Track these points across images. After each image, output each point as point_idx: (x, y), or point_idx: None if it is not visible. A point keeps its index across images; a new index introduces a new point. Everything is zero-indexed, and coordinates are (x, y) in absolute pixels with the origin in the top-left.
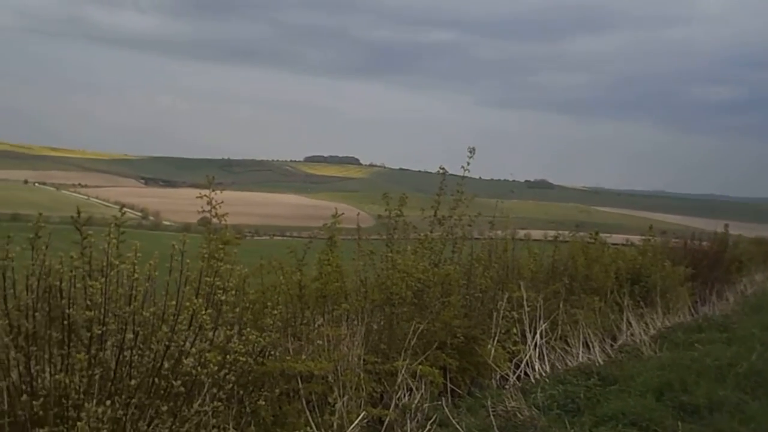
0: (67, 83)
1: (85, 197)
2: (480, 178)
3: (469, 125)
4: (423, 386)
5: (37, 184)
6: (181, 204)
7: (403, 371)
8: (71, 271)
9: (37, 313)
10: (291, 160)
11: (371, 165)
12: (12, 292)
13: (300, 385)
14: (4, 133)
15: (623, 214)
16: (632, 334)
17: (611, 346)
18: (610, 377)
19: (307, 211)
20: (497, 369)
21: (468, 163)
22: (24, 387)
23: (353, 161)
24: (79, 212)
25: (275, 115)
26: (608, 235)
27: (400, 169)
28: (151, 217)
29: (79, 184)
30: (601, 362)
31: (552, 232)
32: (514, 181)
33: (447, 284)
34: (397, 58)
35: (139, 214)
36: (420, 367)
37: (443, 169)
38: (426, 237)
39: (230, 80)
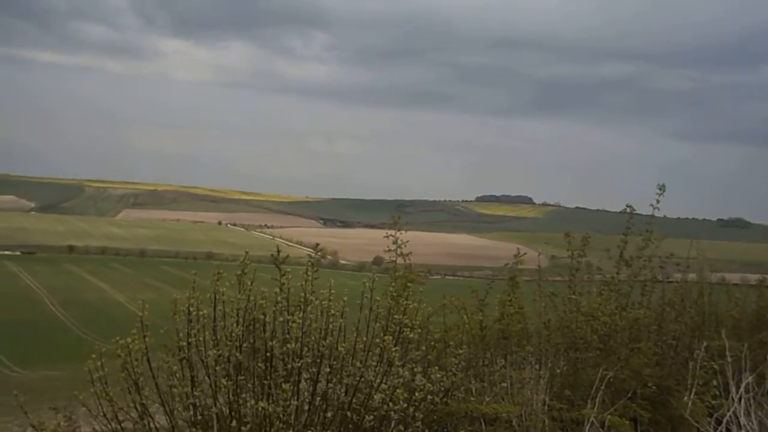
0: (255, 132)
1: (270, 237)
2: (665, 216)
3: (650, 160)
4: None
5: (229, 225)
6: (356, 244)
7: (590, 420)
8: (274, 306)
9: (244, 344)
10: (463, 200)
11: (545, 204)
12: (222, 324)
13: (484, 427)
14: (203, 179)
15: None
16: None
17: None
18: None
19: (478, 251)
20: (695, 424)
21: (657, 201)
22: (232, 413)
23: (526, 200)
24: (278, 251)
25: (447, 156)
26: None
27: (577, 207)
28: (329, 256)
29: (265, 225)
30: None
31: (754, 276)
32: (704, 220)
33: (636, 329)
34: (568, 94)
35: (318, 253)
36: (609, 417)
37: (630, 207)
38: (612, 278)
39: (404, 123)
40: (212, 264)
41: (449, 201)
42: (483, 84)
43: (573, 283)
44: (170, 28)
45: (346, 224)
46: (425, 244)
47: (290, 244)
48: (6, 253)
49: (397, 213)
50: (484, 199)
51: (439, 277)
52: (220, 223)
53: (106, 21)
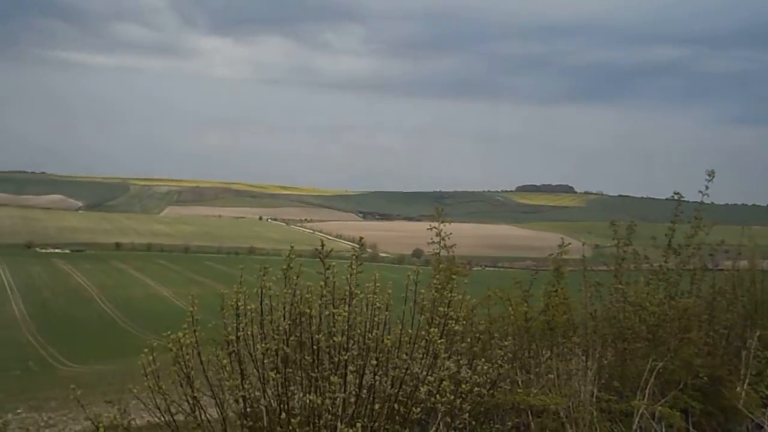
0: (294, 127)
1: (310, 231)
2: (713, 203)
3: (699, 146)
4: (662, 429)
5: (269, 220)
6: (395, 236)
7: (640, 412)
8: (319, 300)
9: (291, 338)
10: (502, 191)
11: (587, 193)
12: (269, 318)
13: (531, 419)
14: (244, 175)
15: None
16: None
17: None
18: None
19: (518, 242)
20: (749, 415)
21: (706, 187)
22: (281, 406)
23: (567, 189)
24: (322, 245)
25: (486, 147)
26: None
27: (620, 196)
28: (369, 249)
29: (305, 219)
30: None
31: None
32: (753, 205)
33: (686, 319)
34: (612, 80)
35: (357, 246)
36: (659, 408)
37: (678, 194)
38: (660, 267)
39: (443, 115)
40: (254, 259)
41: (489, 192)
42: (523, 72)
43: (619, 273)
44: (208, 26)
45: (385, 217)
46: (465, 236)
47: (330, 237)
48: (56, 251)
49: (436, 205)
50: (524, 189)
51: (480, 268)
52: (260, 218)
53: (146, 21)
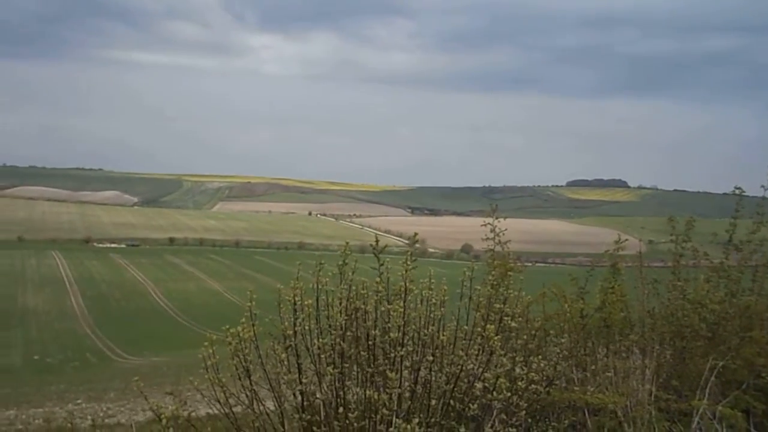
0: (343, 122)
1: (359, 226)
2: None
3: (760, 139)
4: (723, 430)
5: (318, 216)
6: (444, 231)
7: (700, 412)
8: (375, 295)
9: (347, 333)
10: (553, 185)
11: (641, 187)
12: (325, 313)
13: (587, 418)
14: (293, 170)
15: None
16: None
17: None
18: None
19: (569, 237)
20: None
21: None
22: (338, 401)
23: (620, 184)
24: (377, 241)
25: (537, 141)
26: None
27: (675, 190)
28: (417, 245)
29: (354, 215)
30: None
31: None
32: None
33: (747, 317)
34: (666, 71)
35: (407, 242)
36: (720, 408)
37: (739, 189)
38: (721, 264)
39: (493, 109)
40: (303, 254)
41: (538, 186)
42: (574, 65)
43: (677, 270)
44: (258, 23)
45: (433, 212)
46: (514, 231)
47: (379, 233)
48: (113, 246)
49: (485, 200)
50: (575, 184)
51: (530, 264)
52: (310, 214)
53: (198, 20)
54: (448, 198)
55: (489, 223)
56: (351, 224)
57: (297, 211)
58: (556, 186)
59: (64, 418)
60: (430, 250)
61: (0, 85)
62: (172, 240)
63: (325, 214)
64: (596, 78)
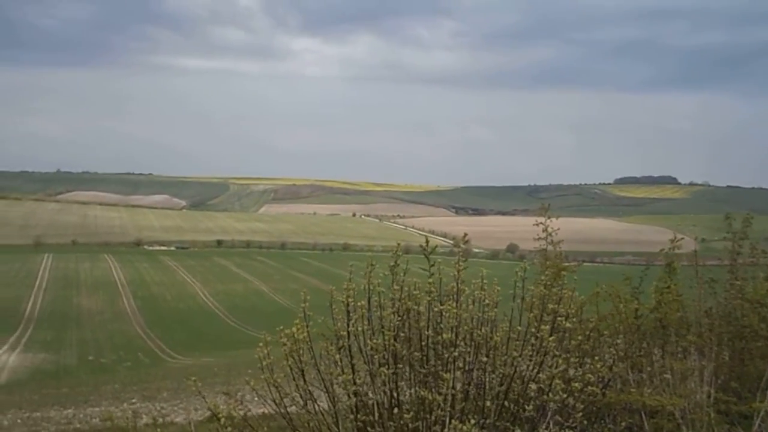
0: (386, 123)
1: (403, 227)
2: None
3: None
4: None
5: (363, 217)
6: (488, 231)
7: (761, 414)
8: (427, 296)
9: (402, 333)
10: (600, 183)
11: (692, 184)
12: (377, 314)
13: (644, 420)
14: (337, 172)
15: None
16: None
17: None
18: None
19: (617, 236)
20: None
21: None
22: (392, 401)
23: (670, 180)
24: (427, 242)
25: (584, 138)
26: None
27: (728, 186)
28: (462, 245)
29: (398, 215)
30: None
31: None
32: None
33: None
34: (719, 64)
35: (451, 242)
36: None
37: None
38: None
39: (537, 106)
40: (348, 255)
41: (585, 185)
42: (622, 59)
43: (734, 268)
44: (300, 26)
45: (478, 212)
46: (561, 230)
47: (422, 233)
48: (162, 248)
49: (530, 199)
50: (623, 181)
51: (576, 263)
52: (354, 215)
53: (241, 24)
54: (492, 197)
55: (541, 223)
56: (395, 225)
57: (341, 212)
58: (604, 184)
59: (127, 417)
60: (475, 250)
61: (54, 93)
62: (219, 242)
63: (369, 215)
64: (644, 72)
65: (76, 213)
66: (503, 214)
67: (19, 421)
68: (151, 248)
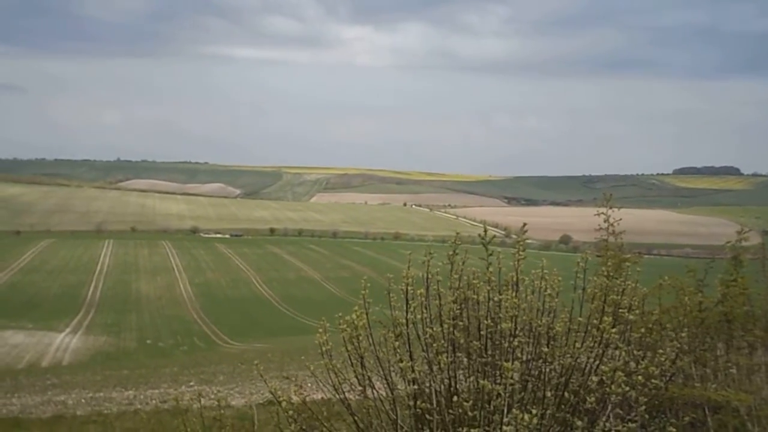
0: (437, 112)
1: (454, 217)
2: None
3: None
4: None
5: (413, 206)
6: (541, 222)
7: None
8: (487, 285)
9: (460, 322)
10: (658, 173)
11: (755, 175)
12: (436, 302)
13: (707, 416)
14: (388, 161)
15: None
16: None
17: None
18: None
19: (675, 227)
20: None
21: None
22: (451, 390)
23: (732, 171)
24: (485, 231)
25: (642, 127)
26: None
27: None
28: (514, 236)
29: (449, 205)
30: None
31: None
32: None
33: None
34: None
35: (503, 232)
36: None
37: None
38: None
39: (593, 95)
40: (399, 244)
41: (642, 175)
42: (684, 45)
43: None
44: (350, 15)
45: (531, 202)
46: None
47: (474, 223)
48: (218, 236)
49: (585, 189)
50: (682, 172)
51: (639, 254)
52: (405, 204)
53: (291, 13)
54: (545, 187)
55: (603, 213)
56: (446, 215)
57: (392, 201)
58: (662, 174)
59: (190, 399)
60: (528, 240)
61: (114, 84)
62: (272, 230)
63: (419, 205)
64: (705, 59)
65: (135, 201)
66: (557, 204)
67: (83, 400)
68: (206, 236)
